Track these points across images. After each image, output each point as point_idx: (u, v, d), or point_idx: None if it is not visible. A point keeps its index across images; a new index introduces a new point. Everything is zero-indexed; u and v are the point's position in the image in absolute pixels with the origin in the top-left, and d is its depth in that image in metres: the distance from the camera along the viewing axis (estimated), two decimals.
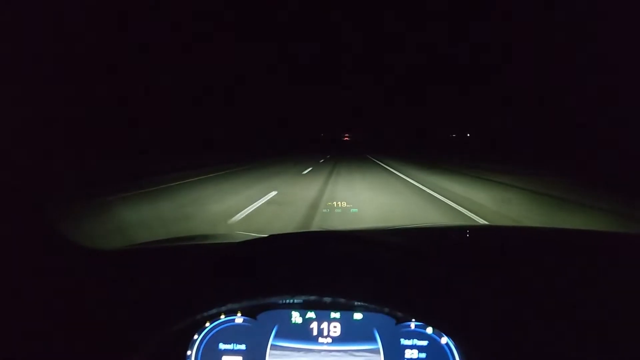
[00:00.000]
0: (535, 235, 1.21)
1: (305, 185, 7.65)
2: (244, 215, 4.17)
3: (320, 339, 0.73)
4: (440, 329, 0.66)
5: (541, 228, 1.56)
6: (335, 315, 0.73)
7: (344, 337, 0.73)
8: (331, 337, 0.73)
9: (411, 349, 0.71)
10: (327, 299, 0.69)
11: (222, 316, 0.74)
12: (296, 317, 0.74)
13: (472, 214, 4.39)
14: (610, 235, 1.21)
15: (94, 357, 0.66)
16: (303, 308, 0.74)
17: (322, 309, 0.73)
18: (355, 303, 0.71)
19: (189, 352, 0.73)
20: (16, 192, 0.89)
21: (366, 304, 0.70)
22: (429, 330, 0.71)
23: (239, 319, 0.74)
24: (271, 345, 0.73)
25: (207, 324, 0.74)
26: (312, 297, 0.68)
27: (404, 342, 0.71)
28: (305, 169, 12.09)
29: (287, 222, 3.84)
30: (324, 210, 4.32)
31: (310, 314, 0.74)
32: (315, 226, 3.90)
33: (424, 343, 0.71)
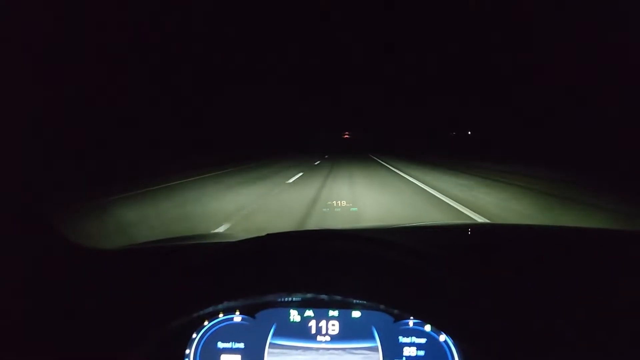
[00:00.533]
0: (536, 233, 1.21)
1: (283, 203, 5.30)
2: None
3: (319, 337, 0.74)
4: (437, 326, 0.66)
5: (542, 226, 1.56)
6: (333, 313, 0.74)
7: (343, 335, 0.73)
8: (330, 336, 0.74)
9: (409, 347, 0.72)
10: (324, 297, 0.69)
11: (221, 315, 0.74)
12: (294, 316, 0.75)
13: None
14: (616, 233, 1.21)
15: (94, 356, 0.67)
16: (301, 306, 0.74)
17: (321, 307, 0.74)
18: (353, 301, 0.71)
19: (187, 351, 0.73)
20: (16, 192, 0.90)
21: (362, 302, 0.70)
22: (427, 327, 0.71)
23: (237, 318, 0.75)
24: (270, 343, 0.74)
25: (206, 323, 0.74)
26: (309, 295, 0.69)
27: (402, 339, 0.72)
28: (293, 176, 9.31)
29: None
30: (324, 210, 4.32)
31: (309, 312, 0.74)
32: (314, 225, 3.91)
33: (422, 341, 0.72)
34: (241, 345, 0.75)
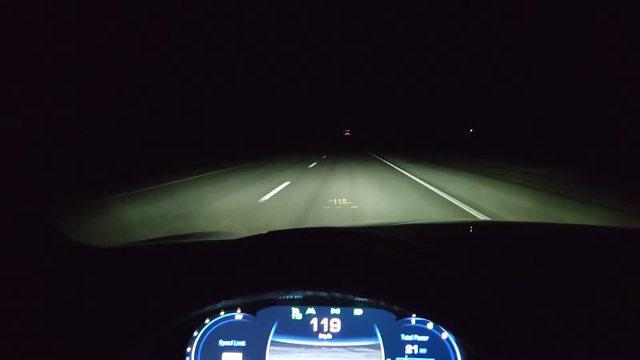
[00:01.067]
0: (537, 231, 1.22)
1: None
2: None
3: (321, 335, 0.74)
4: (440, 323, 0.67)
5: (543, 224, 1.57)
6: (335, 311, 0.74)
7: (344, 333, 0.74)
8: (331, 333, 0.74)
9: (412, 345, 0.72)
10: (325, 294, 0.70)
11: (222, 313, 0.75)
12: (296, 314, 0.75)
13: None
14: (617, 230, 1.21)
15: (94, 354, 0.67)
16: (303, 304, 0.75)
17: (322, 305, 0.74)
18: (355, 299, 0.71)
19: (188, 349, 0.74)
20: (16, 191, 0.90)
21: (364, 299, 0.70)
22: (430, 325, 0.72)
23: (238, 316, 0.75)
24: (271, 341, 0.74)
25: (207, 321, 0.75)
26: (310, 293, 0.69)
27: (404, 337, 0.72)
28: (271, 190, 6.62)
29: None
30: (325, 208, 4.32)
31: (310, 310, 0.75)
32: (315, 223, 3.91)
33: (425, 338, 0.72)
34: (242, 343, 0.75)
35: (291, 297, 0.73)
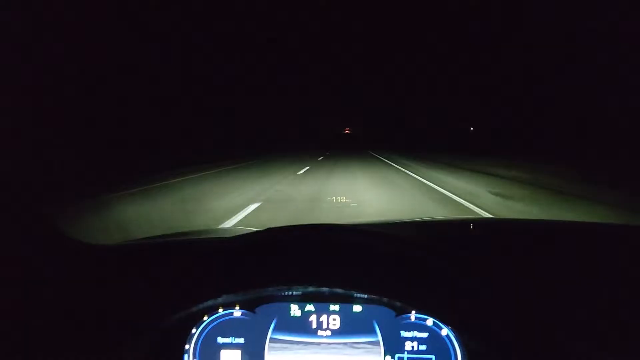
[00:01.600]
0: (539, 227, 1.22)
1: None
2: None
3: (320, 332, 0.74)
4: (440, 319, 0.67)
5: (546, 221, 1.57)
6: (334, 307, 0.74)
7: (344, 330, 0.74)
8: (330, 330, 0.74)
9: (411, 341, 0.72)
10: (325, 290, 0.70)
11: (220, 310, 0.75)
12: (295, 310, 0.75)
13: None
14: (621, 227, 1.21)
15: (93, 352, 0.67)
16: (302, 301, 0.75)
17: (321, 302, 0.74)
18: (354, 295, 0.72)
19: (187, 346, 0.74)
20: (14, 189, 0.90)
21: (364, 295, 0.70)
22: (429, 322, 0.72)
23: (237, 313, 0.76)
24: (270, 338, 0.74)
25: (205, 318, 0.75)
26: (310, 289, 0.69)
27: (404, 334, 0.73)
28: (242, 209, 4.98)
29: None
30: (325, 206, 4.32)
31: (310, 307, 0.75)
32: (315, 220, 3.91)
33: (425, 335, 0.72)
34: (241, 340, 0.75)
35: (291, 293, 0.73)
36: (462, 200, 5.49)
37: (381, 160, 15.78)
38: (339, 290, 0.69)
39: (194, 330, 0.74)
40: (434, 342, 0.72)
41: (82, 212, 4.32)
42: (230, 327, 0.76)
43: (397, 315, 0.73)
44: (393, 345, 0.73)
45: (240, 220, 4.20)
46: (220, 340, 0.75)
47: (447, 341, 0.71)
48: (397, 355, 0.73)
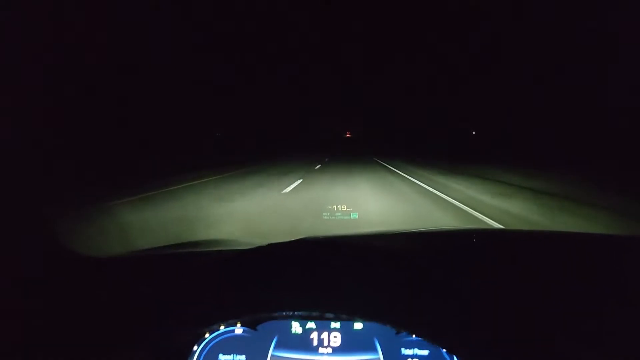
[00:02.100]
0: (550, 240, 1.18)
1: None
2: None
3: (321, 349, 0.75)
4: (440, 344, 0.67)
5: (559, 232, 1.53)
6: (335, 325, 0.75)
7: (345, 347, 0.75)
8: (331, 347, 0.75)
9: (412, 359, 0.73)
10: (330, 315, 0.71)
11: (222, 327, 0.76)
12: (296, 328, 0.76)
13: None
14: (621, 239, 1.18)
15: None
16: (303, 319, 0.76)
17: (322, 319, 0.75)
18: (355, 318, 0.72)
19: None
20: (16, 198, 0.91)
21: (367, 320, 0.71)
22: None
23: (238, 330, 0.77)
24: (271, 356, 0.75)
25: (207, 335, 0.76)
26: (314, 314, 0.70)
27: (404, 351, 0.73)
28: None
29: None
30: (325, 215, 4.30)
31: (311, 324, 0.76)
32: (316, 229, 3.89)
33: (425, 353, 0.73)
34: (242, 357, 0.76)
35: (291, 313, 0.74)
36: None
37: (393, 171, 12.32)
38: (341, 315, 0.70)
39: (195, 347, 0.75)
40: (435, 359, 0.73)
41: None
42: (231, 344, 0.77)
43: (397, 333, 0.74)
44: None
45: None
46: (221, 357, 0.76)
47: (449, 358, 0.72)
48: None
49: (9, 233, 0.87)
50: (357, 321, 0.75)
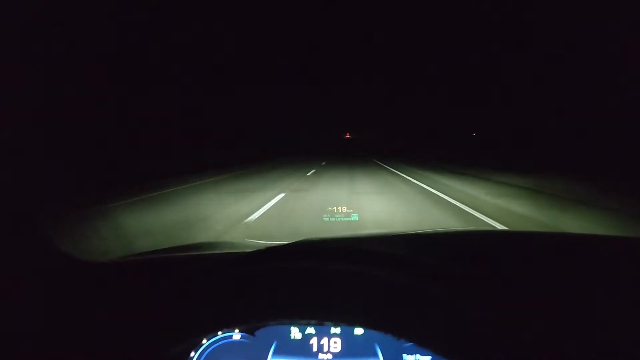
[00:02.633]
0: (558, 242, 1.13)
1: None
2: None
3: (321, 355, 0.74)
4: (442, 355, 0.66)
5: (566, 234, 1.49)
6: (335, 330, 0.75)
7: (345, 353, 0.74)
8: (332, 353, 0.74)
9: None
10: (329, 324, 0.70)
11: (220, 332, 0.75)
12: (295, 333, 0.75)
13: None
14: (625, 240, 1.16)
15: None
16: (302, 324, 0.75)
17: (322, 325, 0.74)
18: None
19: None
20: (10, 201, 0.90)
21: (367, 328, 0.71)
22: None
23: (236, 336, 0.76)
24: None
25: (204, 341, 0.75)
26: (313, 322, 0.70)
27: (406, 357, 0.73)
28: None
29: None
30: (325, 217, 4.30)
31: (310, 330, 0.75)
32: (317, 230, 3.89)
33: (427, 358, 0.72)
34: None
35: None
36: None
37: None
38: (340, 324, 0.69)
39: (192, 354, 0.74)
40: None
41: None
42: (229, 350, 0.76)
43: (398, 338, 0.73)
44: None
45: None
46: None
47: None
48: None
49: (5, 235, 0.87)
50: (358, 326, 0.74)
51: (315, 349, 0.75)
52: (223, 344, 0.76)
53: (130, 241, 3.49)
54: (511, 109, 23.56)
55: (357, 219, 4.16)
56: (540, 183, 8.32)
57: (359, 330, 0.74)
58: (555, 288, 0.75)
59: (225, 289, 0.68)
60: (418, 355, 0.73)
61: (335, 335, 0.75)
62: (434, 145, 32.82)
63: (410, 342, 0.70)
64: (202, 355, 0.75)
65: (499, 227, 4.24)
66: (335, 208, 4.22)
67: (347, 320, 0.66)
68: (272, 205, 5.65)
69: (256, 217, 4.83)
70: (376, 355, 0.73)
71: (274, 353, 0.75)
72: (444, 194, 6.84)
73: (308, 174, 11.93)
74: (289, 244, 0.85)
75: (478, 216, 4.93)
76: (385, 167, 15.42)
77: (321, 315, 0.66)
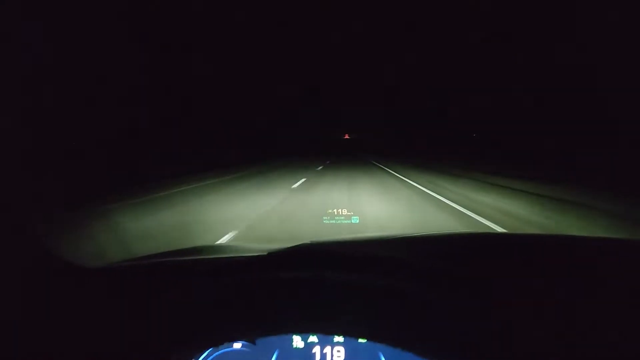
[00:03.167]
0: (562, 245, 1.12)
1: None
2: None
3: None
4: None
5: (569, 237, 1.47)
6: (338, 339, 0.74)
7: None
8: None
9: None
10: (330, 336, 0.69)
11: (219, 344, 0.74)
12: (297, 342, 0.74)
13: None
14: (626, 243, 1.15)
15: None
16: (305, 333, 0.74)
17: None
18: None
19: None
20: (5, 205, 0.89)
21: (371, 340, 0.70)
22: None
23: (237, 344, 0.75)
24: None
25: (204, 351, 0.74)
26: (315, 335, 0.69)
27: None
28: None
29: None
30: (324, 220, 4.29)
31: (313, 338, 0.74)
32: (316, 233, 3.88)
33: None
34: None
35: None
36: None
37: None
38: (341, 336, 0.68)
39: None
40: None
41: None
42: (229, 359, 0.75)
43: (403, 350, 0.72)
44: None
45: None
46: None
47: None
48: None
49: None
50: (361, 339, 0.73)
51: (318, 358, 0.74)
52: (223, 352, 0.75)
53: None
54: (511, 109, 23.55)
55: (358, 221, 4.14)
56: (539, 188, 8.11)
57: (362, 339, 0.73)
58: (554, 290, 0.74)
59: (225, 300, 0.67)
60: None
61: (338, 343, 0.74)
62: (434, 146, 32.80)
63: (414, 354, 0.69)
64: None
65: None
66: (335, 210, 4.20)
67: (349, 333, 0.65)
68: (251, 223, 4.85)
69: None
70: None
71: None
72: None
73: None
74: (289, 252, 0.84)
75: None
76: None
77: (323, 328, 0.65)
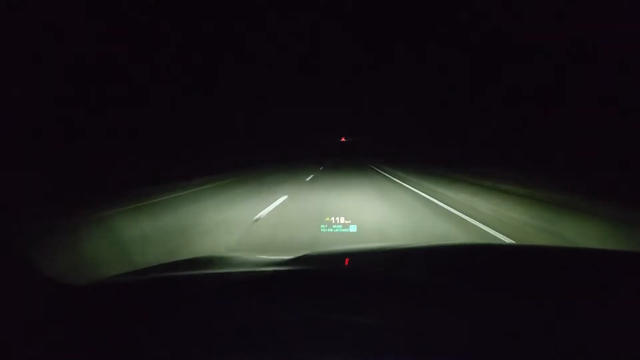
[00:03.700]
0: (568, 257, 1.12)
1: None
2: None
3: None
4: None
5: (575, 249, 1.46)
6: None
7: None
8: None
9: None
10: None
11: None
12: None
13: None
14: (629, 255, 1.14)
15: None
16: None
17: None
18: None
19: None
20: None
21: None
22: None
23: None
24: None
25: None
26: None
27: None
28: None
29: None
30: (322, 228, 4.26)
31: None
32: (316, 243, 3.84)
33: None
34: None
35: None
36: None
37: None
38: None
39: None
40: None
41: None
42: None
43: None
44: None
45: None
46: None
47: None
48: None
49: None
50: None
51: None
52: None
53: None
54: (511, 108, 23.69)
55: (356, 230, 4.11)
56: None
57: None
58: (574, 307, 0.73)
59: (216, 324, 0.65)
60: None
61: None
62: (431, 149, 32.96)
63: None
64: None
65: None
66: (333, 218, 4.15)
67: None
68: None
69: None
70: None
71: None
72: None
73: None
74: (290, 271, 0.82)
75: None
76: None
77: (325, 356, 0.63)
